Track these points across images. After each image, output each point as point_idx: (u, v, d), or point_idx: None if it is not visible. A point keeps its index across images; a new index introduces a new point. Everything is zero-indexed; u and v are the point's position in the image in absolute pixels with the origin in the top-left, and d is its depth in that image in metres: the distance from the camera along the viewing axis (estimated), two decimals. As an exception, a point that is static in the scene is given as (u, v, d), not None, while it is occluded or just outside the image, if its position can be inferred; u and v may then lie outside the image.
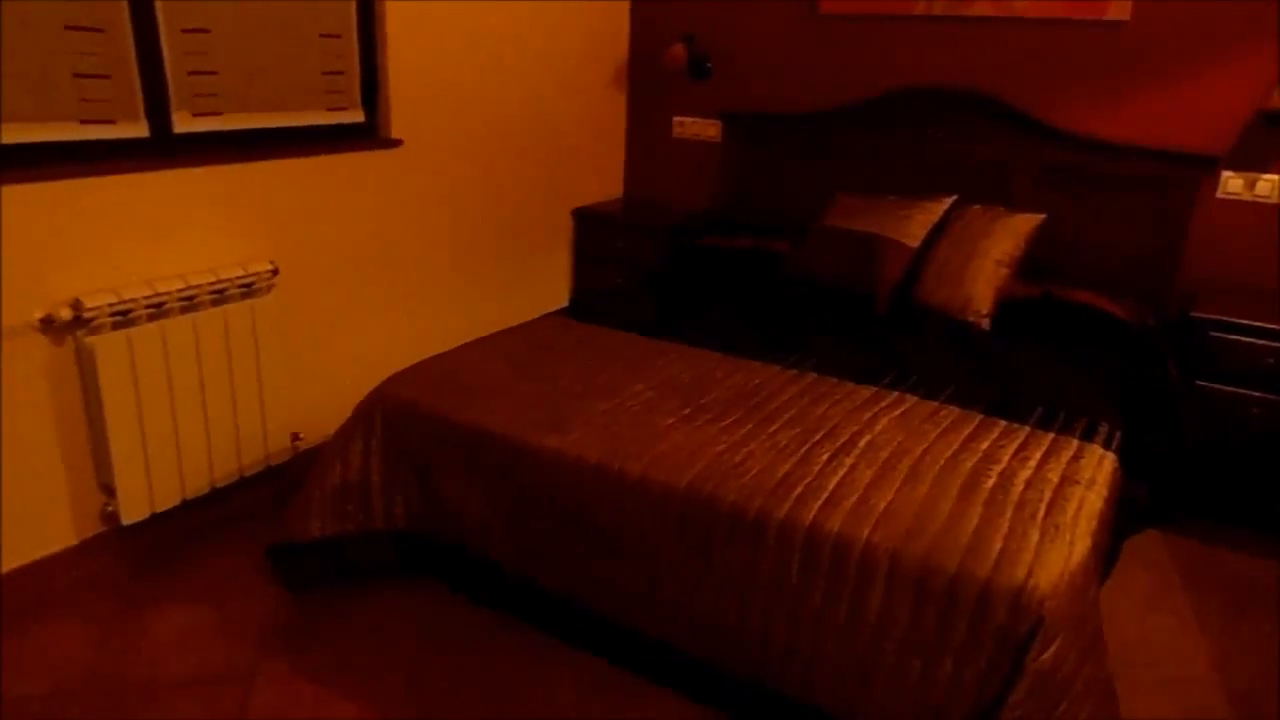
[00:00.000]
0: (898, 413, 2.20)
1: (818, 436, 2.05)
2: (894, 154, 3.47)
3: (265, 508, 2.75)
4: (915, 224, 3.10)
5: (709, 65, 3.85)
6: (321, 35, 2.78)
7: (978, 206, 3.13)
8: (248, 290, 2.56)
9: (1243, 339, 2.70)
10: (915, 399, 2.29)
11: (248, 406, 2.60)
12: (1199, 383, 2.77)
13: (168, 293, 2.35)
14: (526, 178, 3.68)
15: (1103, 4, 3.09)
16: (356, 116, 2.97)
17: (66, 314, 2.19)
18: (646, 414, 2.15)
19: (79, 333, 2.24)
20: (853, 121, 3.55)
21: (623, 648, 2.13)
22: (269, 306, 2.61)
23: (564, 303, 3.83)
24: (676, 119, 4.08)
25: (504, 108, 3.47)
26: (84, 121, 2.25)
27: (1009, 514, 1.77)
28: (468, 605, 2.35)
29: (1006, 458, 1.99)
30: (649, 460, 1.95)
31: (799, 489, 1.84)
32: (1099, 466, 2.00)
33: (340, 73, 2.88)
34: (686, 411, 2.17)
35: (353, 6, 2.86)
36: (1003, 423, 2.16)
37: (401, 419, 2.27)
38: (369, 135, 3.01)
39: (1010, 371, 2.55)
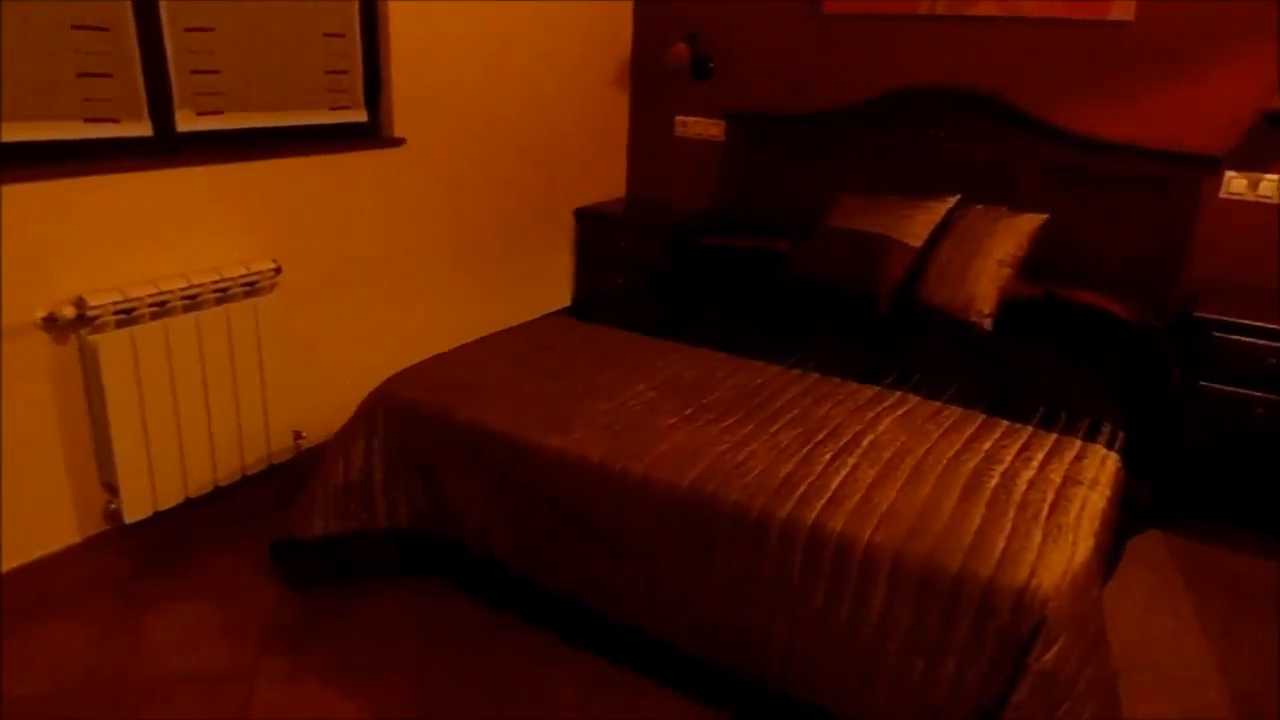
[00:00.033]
0: (900, 413, 2.20)
1: (820, 436, 2.05)
2: (896, 154, 3.47)
3: (268, 506, 2.75)
4: (918, 224, 3.10)
5: (711, 65, 3.85)
6: (325, 34, 2.79)
7: (980, 206, 3.12)
8: (250, 289, 2.57)
9: (1245, 339, 2.70)
10: (918, 399, 2.28)
11: (250, 405, 2.61)
12: (1201, 383, 2.77)
13: (171, 291, 2.35)
14: (529, 177, 3.68)
15: (1106, 4, 3.09)
16: (359, 116, 2.97)
17: (70, 312, 2.19)
18: (648, 414, 2.15)
19: (82, 331, 2.24)
20: (855, 121, 3.54)
21: (624, 647, 2.13)
22: (272, 305, 2.61)
23: (566, 302, 3.83)
24: (679, 119, 4.08)
25: (506, 107, 3.47)
26: (88, 120, 2.25)
27: (1011, 514, 1.77)
28: (469, 604, 2.36)
29: (1009, 458, 1.98)
30: (651, 460, 1.95)
31: (801, 489, 1.84)
32: (1102, 467, 2.00)
33: (343, 72, 2.88)
34: (688, 411, 2.17)
35: (355, 6, 2.86)
36: (1005, 423, 2.16)
37: (403, 418, 2.27)
38: (372, 134, 3.01)
39: (1013, 371, 2.54)
